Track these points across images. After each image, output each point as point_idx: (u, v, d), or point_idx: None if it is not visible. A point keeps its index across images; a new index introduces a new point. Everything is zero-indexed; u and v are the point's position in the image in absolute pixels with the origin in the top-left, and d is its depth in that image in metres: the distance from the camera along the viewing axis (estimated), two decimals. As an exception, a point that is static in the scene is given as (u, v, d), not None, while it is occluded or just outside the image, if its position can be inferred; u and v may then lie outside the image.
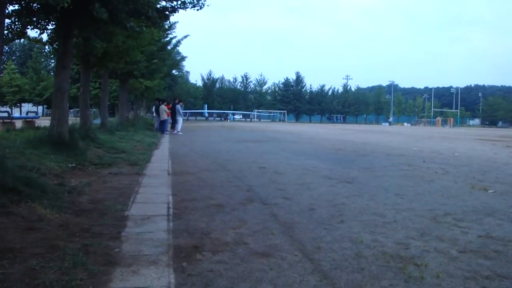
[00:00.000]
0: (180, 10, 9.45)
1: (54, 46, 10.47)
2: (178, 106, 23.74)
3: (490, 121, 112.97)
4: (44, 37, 10.48)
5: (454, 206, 5.49)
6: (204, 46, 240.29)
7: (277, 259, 3.34)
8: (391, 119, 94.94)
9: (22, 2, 7.55)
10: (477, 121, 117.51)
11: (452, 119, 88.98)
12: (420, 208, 5.32)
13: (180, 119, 23.56)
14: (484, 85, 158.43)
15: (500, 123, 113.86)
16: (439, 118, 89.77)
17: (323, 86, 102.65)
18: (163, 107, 22.70)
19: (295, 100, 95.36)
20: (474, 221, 4.72)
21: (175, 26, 24.02)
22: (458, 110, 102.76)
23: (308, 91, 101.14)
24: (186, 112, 57.39)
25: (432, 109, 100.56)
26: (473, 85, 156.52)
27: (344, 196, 5.95)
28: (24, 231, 3.74)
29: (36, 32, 9.50)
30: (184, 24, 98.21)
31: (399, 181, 7.48)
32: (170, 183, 6.82)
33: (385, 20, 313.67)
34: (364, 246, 3.70)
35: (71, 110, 47.19)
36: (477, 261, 3.40)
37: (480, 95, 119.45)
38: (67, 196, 5.31)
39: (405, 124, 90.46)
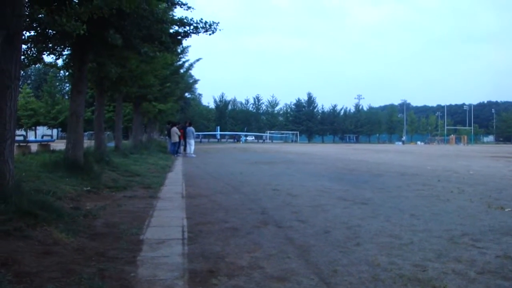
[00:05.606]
0: (193, 35, 9.58)
1: (70, 71, 10.66)
2: (192, 128, 23.99)
3: (504, 137, 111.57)
4: (60, 62, 10.70)
5: (471, 226, 5.41)
6: (216, 68, 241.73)
7: (293, 284, 3.31)
8: (404, 138, 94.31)
9: (38, 29, 7.71)
10: (491, 138, 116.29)
11: (465, 137, 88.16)
12: (436, 228, 5.25)
13: (192, 141, 23.74)
14: (497, 101, 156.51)
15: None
16: (452, 136, 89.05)
17: (335, 106, 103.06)
18: (175, 129, 22.96)
19: (307, 120, 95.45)
20: (491, 241, 4.64)
21: (187, 50, 24.21)
22: (472, 127, 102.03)
23: (320, 111, 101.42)
24: (198, 135, 57.66)
25: (445, 127, 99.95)
26: (486, 102, 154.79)
27: (359, 218, 5.90)
28: (40, 255, 3.76)
29: (52, 57, 9.67)
30: (196, 47, 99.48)
31: (415, 201, 7.41)
32: (184, 206, 6.83)
33: (395, 38, 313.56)
34: (381, 269, 3.66)
35: (85, 133, 47.41)
36: (495, 282, 3.34)
37: (493, 111, 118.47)
38: (83, 219, 5.35)
39: (419, 142, 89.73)
